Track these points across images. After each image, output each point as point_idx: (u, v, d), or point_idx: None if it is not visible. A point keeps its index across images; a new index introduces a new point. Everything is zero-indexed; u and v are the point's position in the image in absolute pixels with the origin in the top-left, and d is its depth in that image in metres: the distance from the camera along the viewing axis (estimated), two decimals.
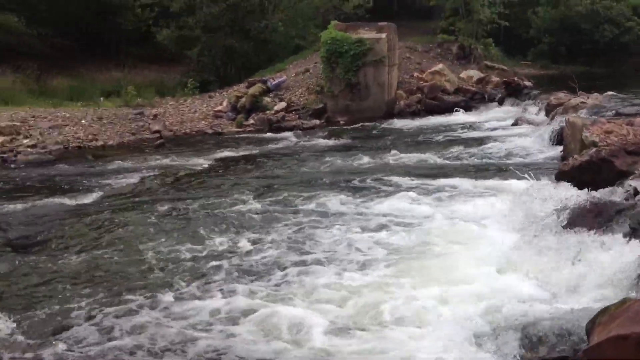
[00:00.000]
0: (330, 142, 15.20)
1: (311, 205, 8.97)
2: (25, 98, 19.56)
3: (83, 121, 16.52)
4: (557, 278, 5.67)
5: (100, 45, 29.94)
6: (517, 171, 10.62)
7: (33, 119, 16.17)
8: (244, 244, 7.44)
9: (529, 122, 15.31)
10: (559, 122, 12.63)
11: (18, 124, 15.34)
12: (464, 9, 22.54)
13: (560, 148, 11.54)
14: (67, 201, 9.72)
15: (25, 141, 14.48)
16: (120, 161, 13.14)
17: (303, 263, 6.77)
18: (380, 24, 19.53)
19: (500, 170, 10.85)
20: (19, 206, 9.45)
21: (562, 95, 15.12)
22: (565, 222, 6.57)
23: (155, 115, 17.85)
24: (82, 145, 14.96)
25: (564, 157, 10.70)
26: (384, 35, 18.53)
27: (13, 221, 8.71)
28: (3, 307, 5.89)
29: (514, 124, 15.69)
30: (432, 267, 6.43)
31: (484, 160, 11.96)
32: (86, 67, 27.07)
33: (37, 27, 26.03)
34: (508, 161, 11.75)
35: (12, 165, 12.91)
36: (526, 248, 6.49)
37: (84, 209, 9.33)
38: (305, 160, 12.68)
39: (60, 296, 6.12)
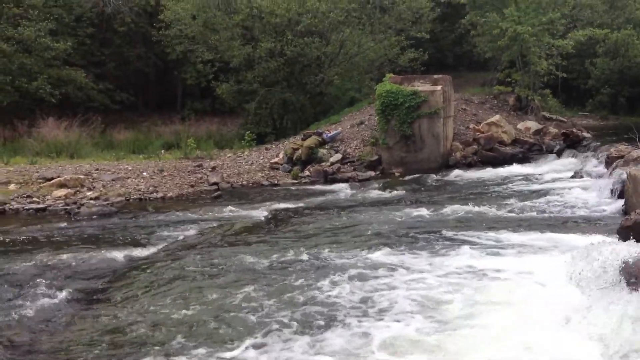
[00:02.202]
0: (386, 194, 15.17)
1: (368, 259, 8.92)
2: (90, 151, 20.31)
3: (144, 173, 17.00)
4: (620, 339, 5.48)
5: (163, 99, 31.15)
6: (577, 225, 10.44)
7: (97, 171, 16.75)
8: (303, 298, 7.42)
9: (589, 175, 14.99)
10: (619, 174, 12.35)
11: (82, 176, 15.90)
12: (520, 61, 22.48)
13: (622, 202, 11.25)
14: (127, 253, 9.94)
15: (88, 193, 14.97)
16: (179, 213, 13.41)
17: (367, 318, 6.73)
18: (435, 76, 19.66)
19: (560, 224, 10.62)
20: (81, 258, 9.68)
21: (622, 147, 14.80)
22: (628, 280, 6.38)
23: (213, 168, 18.24)
24: (142, 197, 15.35)
25: (626, 212, 10.43)
26: (439, 88, 18.62)
27: (75, 273, 8.94)
28: None
29: (573, 177, 15.39)
30: (488, 326, 6.29)
31: (542, 214, 11.73)
32: (149, 120, 28.09)
33: (104, 83, 27.22)
34: (567, 215, 11.50)
35: (76, 217, 13.31)
36: (587, 307, 6.31)
37: (144, 261, 9.54)
38: (361, 213, 12.67)
39: (119, 350, 6.22)
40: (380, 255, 9.10)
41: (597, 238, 8.22)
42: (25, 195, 14.56)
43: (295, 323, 6.66)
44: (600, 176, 14.18)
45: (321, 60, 24.41)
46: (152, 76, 31.45)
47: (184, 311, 7.16)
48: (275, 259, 9.15)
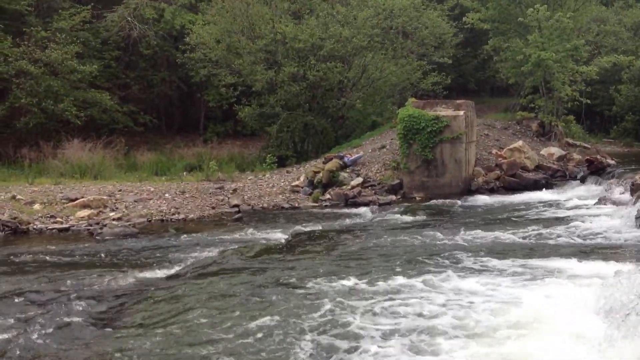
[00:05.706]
0: (407, 218, 15.09)
1: (388, 285, 8.85)
2: (114, 172, 20.49)
3: (166, 195, 17.10)
4: None
5: (186, 122, 31.45)
6: (602, 253, 10.28)
7: (120, 192, 16.88)
8: (320, 322, 7.37)
9: (614, 202, 14.80)
10: None
11: (105, 197, 16.03)
12: (544, 86, 22.39)
13: None
14: (148, 274, 9.98)
15: (111, 214, 15.08)
16: (200, 234, 13.44)
17: (385, 344, 6.67)
18: (457, 101, 19.64)
19: (584, 251, 10.48)
20: (101, 279, 9.73)
21: None
22: None
23: (234, 190, 18.29)
24: (164, 218, 15.42)
25: None
26: (461, 113, 18.57)
27: (95, 294, 8.95)
28: None
29: (598, 203, 15.20)
30: (513, 356, 6.19)
31: (566, 241, 11.59)
32: (172, 142, 28.34)
33: (128, 105, 27.55)
34: (592, 242, 11.36)
35: (98, 238, 13.39)
36: (615, 338, 6.18)
37: (164, 282, 9.54)
38: (382, 237, 12.59)
39: None
40: (402, 281, 9.00)
41: (623, 266, 8.08)
42: (49, 215, 14.70)
43: (311, 350, 6.60)
44: (625, 203, 13.99)
45: (343, 84, 24.50)
46: (175, 99, 31.78)
47: (201, 338, 7.09)
48: (294, 283, 9.10)
